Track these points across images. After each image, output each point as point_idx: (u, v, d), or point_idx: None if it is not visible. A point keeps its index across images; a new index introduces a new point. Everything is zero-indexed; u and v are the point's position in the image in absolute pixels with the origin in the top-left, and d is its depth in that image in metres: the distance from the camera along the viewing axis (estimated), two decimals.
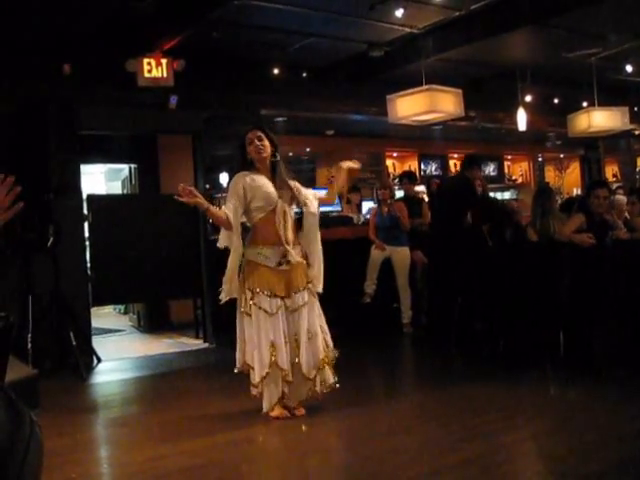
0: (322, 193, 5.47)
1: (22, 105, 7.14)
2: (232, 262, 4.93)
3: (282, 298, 4.87)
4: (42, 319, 6.83)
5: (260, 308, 4.82)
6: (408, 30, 7.93)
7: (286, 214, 4.96)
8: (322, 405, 5.02)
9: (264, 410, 4.86)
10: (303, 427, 4.84)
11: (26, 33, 6.94)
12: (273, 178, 5.01)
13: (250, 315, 4.85)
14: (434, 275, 8.16)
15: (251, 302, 4.83)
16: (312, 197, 5.20)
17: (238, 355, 4.97)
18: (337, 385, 4.99)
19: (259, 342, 4.82)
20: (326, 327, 5.06)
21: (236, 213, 4.86)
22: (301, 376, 4.90)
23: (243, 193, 4.89)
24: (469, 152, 9.55)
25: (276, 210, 4.92)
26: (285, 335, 4.85)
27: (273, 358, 4.78)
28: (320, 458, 4.42)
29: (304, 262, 5.04)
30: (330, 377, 4.98)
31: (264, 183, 4.95)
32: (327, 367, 4.97)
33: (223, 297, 4.96)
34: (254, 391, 4.90)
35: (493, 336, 6.91)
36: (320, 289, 5.13)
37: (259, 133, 5.01)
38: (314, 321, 4.98)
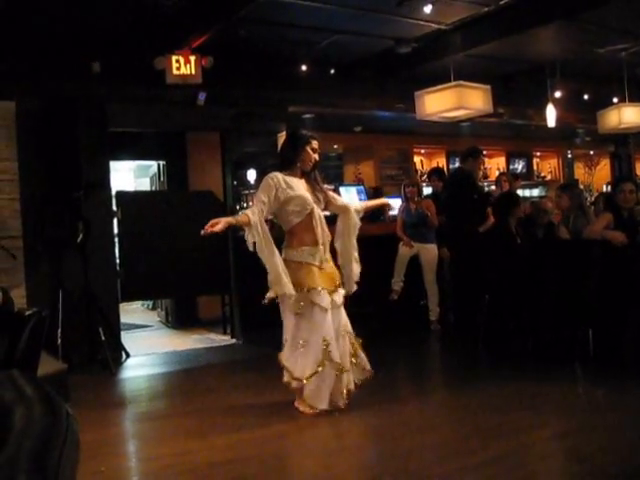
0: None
1: (52, 103, 7.19)
2: (274, 260, 4.85)
3: (330, 294, 4.95)
4: (72, 314, 6.90)
5: (315, 305, 4.88)
6: (436, 26, 7.88)
7: (321, 217, 5.07)
8: (352, 402, 5.02)
9: (318, 408, 4.90)
10: (330, 424, 4.85)
11: (56, 32, 7.00)
12: (307, 182, 5.10)
13: (300, 314, 4.90)
14: (460, 272, 8.12)
15: (303, 301, 4.88)
16: (356, 211, 5.35)
17: (287, 352, 4.98)
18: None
19: (314, 339, 4.87)
20: None
21: (261, 213, 4.87)
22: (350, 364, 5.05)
23: (274, 194, 4.92)
24: (483, 147, 9.42)
25: (313, 214, 4.99)
26: (335, 330, 4.95)
27: (327, 354, 4.85)
28: (347, 455, 4.42)
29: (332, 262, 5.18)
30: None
31: (299, 187, 5.01)
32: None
33: (277, 293, 4.87)
34: (295, 384, 4.93)
35: (522, 333, 6.87)
36: (353, 289, 5.26)
37: (318, 146, 5.11)
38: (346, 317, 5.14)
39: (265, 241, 4.82)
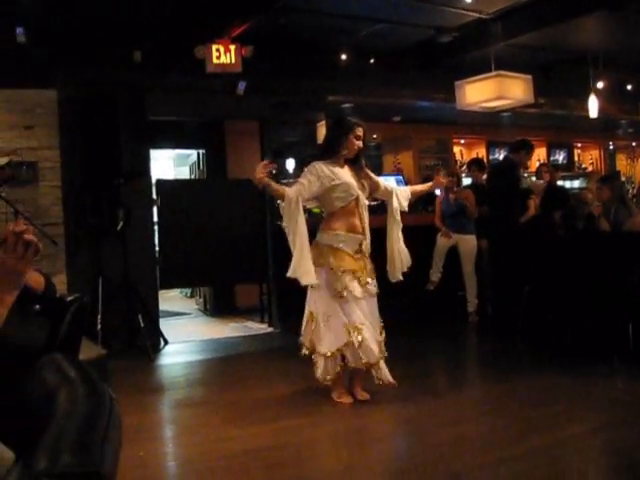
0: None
1: (94, 91, 7.26)
2: (301, 241, 4.80)
3: (365, 285, 4.91)
4: (111, 301, 6.97)
5: (350, 290, 4.85)
6: (477, 15, 7.81)
7: (365, 206, 5.02)
8: (386, 392, 5.02)
9: (390, 381, 4.94)
10: (366, 414, 4.85)
11: (97, 20, 7.06)
12: (351, 169, 5.04)
13: (344, 297, 4.85)
14: (499, 263, 8.06)
15: (345, 283, 4.84)
16: (401, 194, 5.26)
17: (331, 339, 4.91)
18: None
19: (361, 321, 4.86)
20: None
21: (298, 192, 4.83)
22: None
23: (315, 181, 4.86)
24: (525, 138, 9.23)
25: (358, 201, 4.96)
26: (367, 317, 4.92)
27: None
28: (383, 444, 4.43)
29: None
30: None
31: (344, 175, 4.95)
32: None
33: (308, 281, 4.84)
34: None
35: (561, 326, 6.80)
36: (397, 278, 5.17)
37: (363, 133, 5.03)
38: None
39: (295, 219, 4.78)
